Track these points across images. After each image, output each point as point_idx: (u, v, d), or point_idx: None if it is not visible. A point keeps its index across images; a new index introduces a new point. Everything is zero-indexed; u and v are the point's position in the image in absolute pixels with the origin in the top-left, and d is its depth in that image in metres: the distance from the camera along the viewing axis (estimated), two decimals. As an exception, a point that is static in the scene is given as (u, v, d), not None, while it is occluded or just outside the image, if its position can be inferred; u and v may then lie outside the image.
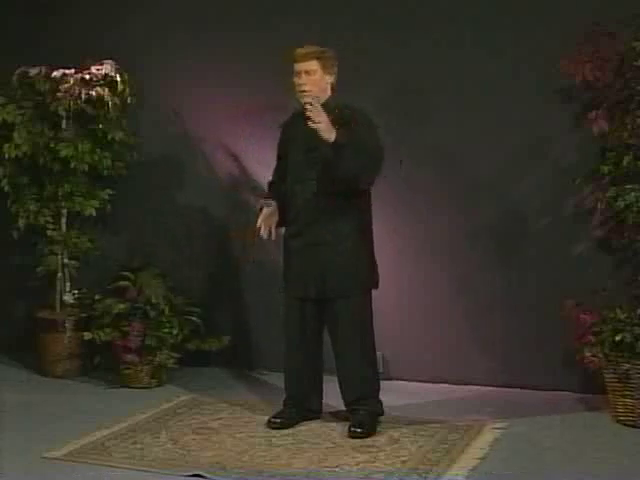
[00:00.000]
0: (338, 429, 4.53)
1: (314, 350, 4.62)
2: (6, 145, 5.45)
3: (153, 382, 5.40)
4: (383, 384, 4.70)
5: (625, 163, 4.66)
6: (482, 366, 5.29)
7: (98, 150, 5.63)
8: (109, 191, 5.76)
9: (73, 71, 5.49)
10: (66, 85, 5.45)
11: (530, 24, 5.05)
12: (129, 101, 5.60)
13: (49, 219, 5.68)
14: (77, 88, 5.44)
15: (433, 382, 5.34)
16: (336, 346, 4.56)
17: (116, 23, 5.88)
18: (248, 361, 5.75)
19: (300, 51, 4.45)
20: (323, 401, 4.71)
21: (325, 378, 4.68)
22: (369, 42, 5.29)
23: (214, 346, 5.52)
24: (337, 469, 4.00)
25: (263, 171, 5.22)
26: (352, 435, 4.41)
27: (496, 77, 5.14)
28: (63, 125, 5.64)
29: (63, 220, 5.76)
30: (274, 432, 4.50)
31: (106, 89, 5.48)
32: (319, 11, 5.45)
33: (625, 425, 4.54)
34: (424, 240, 5.36)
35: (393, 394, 4.95)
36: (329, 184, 4.36)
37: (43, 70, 5.51)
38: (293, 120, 4.63)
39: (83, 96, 5.45)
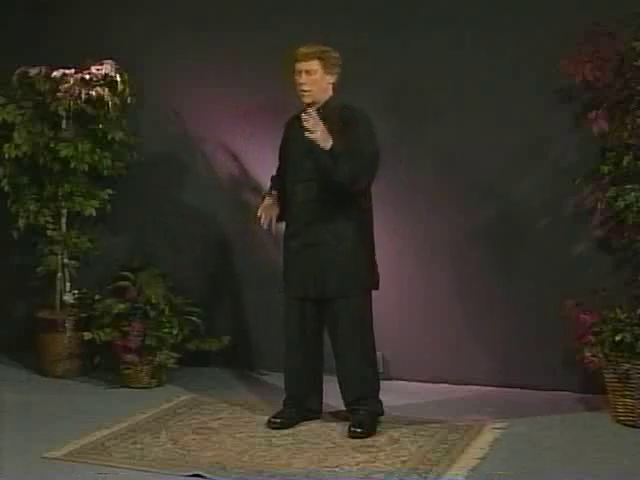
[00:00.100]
0: (338, 429, 4.53)
1: (314, 350, 4.62)
2: (6, 145, 5.45)
3: (153, 382, 5.40)
4: (383, 384, 4.70)
5: (625, 163, 4.66)
6: (482, 366, 5.29)
7: (98, 150, 5.63)
8: (109, 191, 5.76)
9: (73, 71, 5.49)
10: (66, 85, 5.45)
11: (530, 24, 5.05)
12: (129, 101, 5.60)
13: (49, 219, 5.68)
14: (77, 88, 5.44)
15: (433, 382, 5.34)
16: (336, 346, 4.56)
17: (116, 23, 5.88)
18: (248, 361, 5.75)
19: (301, 50, 4.45)
20: (323, 401, 4.71)
21: (325, 378, 4.68)
22: (369, 42, 5.29)
23: (214, 346, 5.52)
24: (337, 469, 4.00)
25: (263, 171, 5.23)
26: (352, 435, 4.41)
27: (496, 77, 5.14)
28: (63, 125, 5.64)
29: (63, 220, 5.76)
30: (274, 432, 4.51)
31: (106, 89, 5.48)
32: (319, 11, 5.45)
33: (625, 425, 4.55)
34: (424, 240, 5.36)
35: (393, 394, 4.95)
36: (329, 185, 4.37)
37: (43, 70, 5.52)
38: (294, 120, 4.63)
39: (83, 96, 5.45)
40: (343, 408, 4.63)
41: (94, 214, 5.71)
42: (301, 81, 4.44)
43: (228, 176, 5.80)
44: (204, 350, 5.51)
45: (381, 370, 5.02)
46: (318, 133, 4.23)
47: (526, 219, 5.20)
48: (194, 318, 5.47)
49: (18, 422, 4.69)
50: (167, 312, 5.37)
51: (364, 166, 4.35)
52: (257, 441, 4.39)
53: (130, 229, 6.03)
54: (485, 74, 5.17)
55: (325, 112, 4.46)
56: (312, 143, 4.27)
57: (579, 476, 3.90)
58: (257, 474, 3.95)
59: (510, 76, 5.11)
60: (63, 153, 5.51)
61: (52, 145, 5.55)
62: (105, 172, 5.71)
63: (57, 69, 5.48)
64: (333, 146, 4.24)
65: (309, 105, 4.49)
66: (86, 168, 5.61)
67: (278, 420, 4.58)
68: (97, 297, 5.58)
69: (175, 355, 5.38)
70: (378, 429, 4.50)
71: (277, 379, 4.99)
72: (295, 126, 4.57)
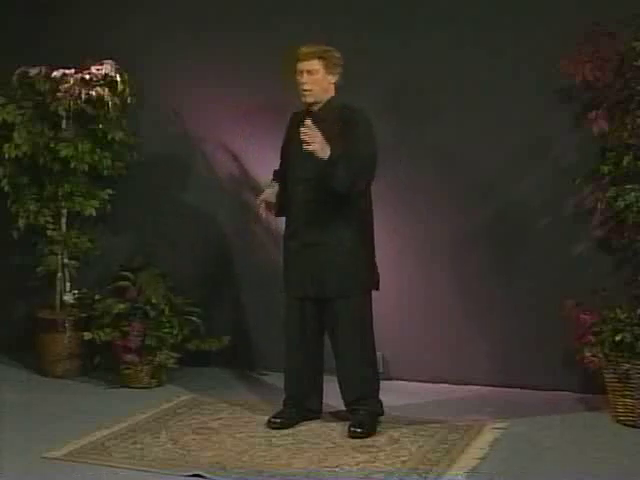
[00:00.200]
0: (338, 429, 4.53)
1: (314, 350, 4.62)
2: (6, 145, 5.45)
3: (153, 382, 5.40)
4: (383, 384, 4.70)
5: (625, 163, 4.66)
6: (482, 366, 5.29)
7: (98, 150, 5.63)
8: (109, 191, 5.76)
9: (73, 71, 5.49)
10: (66, 85, 5.45)
11: (530, 24, 5.05)
12: (129, 101, 5.60)
13: (49, 219, 5.68)
14: (77, 88, 5.44)
15: (433, 382, 5.34)
16: (336, 346, 4.56)
17: (116, 23, 5.88)
18: (248, 361, 5.75)
19: (303, 50, 4.45)
20: (323, 401, 4.71)
21: (325, 378, 4.68)
22: (369, 42, 5.29)
23: (214, 346, 5.52)
24: (337, 469, 4.00)
25: (263, 171, 5.23)
26: (352, 435, 4.41)
27: (496, 77, 5.14)
28: (63, 125, 5.64)
29: (63, 220, 5.76)
30: (274, 432, 4.51)
31: (106, 89, 5.48)
32: (319, 11, 5.45)
33: (625, 425, 4.55)
34: (424, 240, 5.36)
35: (393, 394, 4.95)
36: (328, 188, 4.37)
37: (43, 70, 5.51)
38: (294, 119, 4.63)
39: (83, 96, 5.45)
40: (343, 408, 4.63)
41: (94, 214, 5.71)
42: (302, 81, 4.45)
43: (228, 176, 5.80)
44: (204, 350, 5.51)
45: (381, 370, 5.02)
46: (316, 145, 4.23)
47: (526, 219, 5.20)
48: (194, 318, 5.47)
49: (18, 422, 4.69)
50: (167, 312, 5.37)
51: (362, 169, 4.36)
52: (257, 441, 4.39)
53: (130, 229, 6.03)
54: (485, 74, 5.17)
55: (325, 112, 4.46)
56: (311, 154, 4.27)
57: (579, 476, 3.90)
58: (257, 474, 3.95)
59: (510, 76, 5.11)
60: (63, 153, 5.51)
61: (52, 145, 5.55)
62: (105, 172, 5.71)
63: (57, 69, 5.48)
64: (331, 153, 4.24)
65: (310, 105, 4.49)
66: (86, 168, 5.61)
67: (278, 420, 4.58)
68: (97, 297, 5.58)
69: (175, 355, 5.38)
70: (378, 429, 4.50)
71: (277, 379, 4.99)
72: (295, 126, 4.58)
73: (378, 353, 4.72)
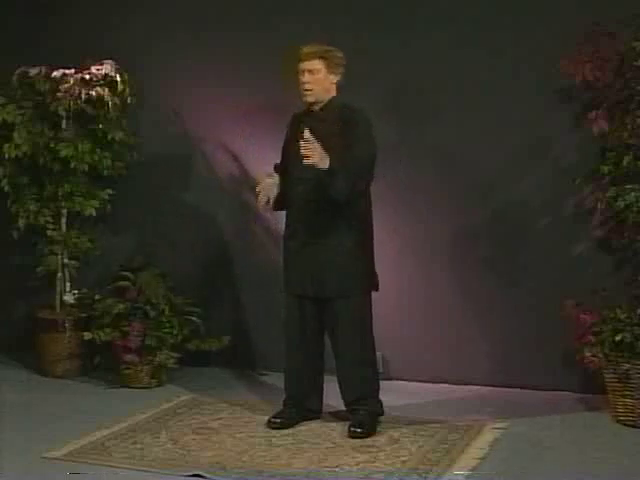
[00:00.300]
0: (338, 429, 4.53)
1: (314, 350, 4.62)
2: (6, 145, 5.45)
3: (153, 382, 5.40)
4: (383, 384, 4.70)
5: (625, 163, 4.66)
6: (482, 366, 5.29)
7: (98, 150, 5.63)
8: (109, 191, 5.76)
9: (73, 71, 5.49)
10: (66, 85, 5.45)
11: (530, 24, 5.05)
12: (129, 101, 5.60)
13: (49, 219, 5.68)
14: (77, 88, 5.44)
15: (433, 382, 5.34)
16: (336, 346, 4.56)
17: (116, 23, 5.88)
18: (248, 361, 5.75)
19: (305, 49, 4.45)
20: (323, 401, 4.71)
21: (325, 378, 4.68)
22: (369, 42, 5.29)
23: (214, 346, 5.52)
24: (337, 469, 4.00)
25: (263, 171, 5.21)
26: (352, 435, 4.41)
27: (496, 77, 5.14)
28: (63, 125, 5.64)
29: (63, 220, 5.76)
30: (274, 432, 4.51)
31: (106, 89, 5.48)
32: (319, 11, 5.45)
33: (625, 425, 4.55)
34: (424, 240, 5.36)
35: (393, 394, 4.95)
36: (327, 196, 4.37)
37: (43, 70, 5.51)
38: (295, 119, 4.63)
39: (83, 96, 5.45)
40: (343, 408, 4.63)
41: (94, 214, 5.71)
42: (304, 80, 4.45)
43: (228, 176, 5.80)
44: (204, 350, 5.51)
45: (381, 370, 5.02)
46: (316, 157, 4.22)
47: (526, 219, 5.20)
48: (194, 318, 5.47)
49: (18, 422, 4.69)
50: (167, 312, 5.37)
51: (361, 170, 4.37)
52: (257, 441, 4.39)
53: (130, 229, 6.03)
54: (485, 74, 5.17)
55: (326, 112, 4.47)
56: (311, 167, 4.27)
57: (579, 476, 3.90)
58: (257, 474, 3.95)
59: (510, 76, 5.11)
60: (63, 153, 5.51)
61: (52, 145, 5.55)
62: (105, 172, 5.71)
63: (57, 69, 5.48)
64: (330, 165, 4.24)
65: (311, 104, 4.50)
66: (86, 168, 5.61)
67: (278, 420, 4.58)
68: (97, 297, 5.58)
69: (175, 355, 5.38)
70: (378, 429, 4.50)
71: (277, 379, 4.99)
72: (296, 126, 4.58)
73: (378, 353, 4.72)
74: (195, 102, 5.78)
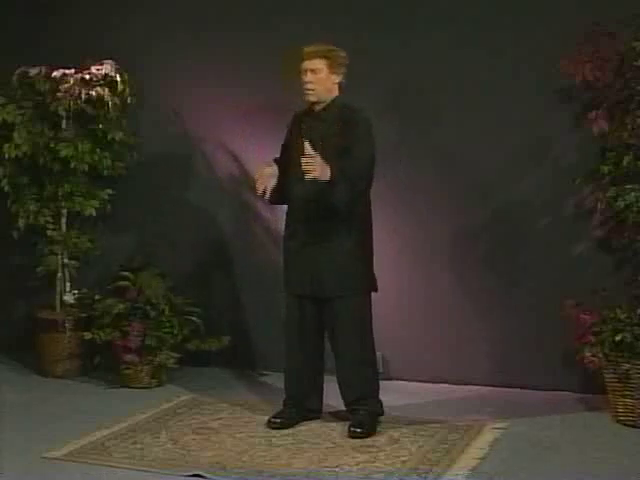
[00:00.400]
0: (338, 429, 4.53)
1: (314, 350, 4.62)
2: (6, 145, 5.45)
3: (153, 382, 5.40)
4: (383, 384, 4.70)
5: (625, 163, 4.66)
6: (482, 366, 5.29)
7: (98, 150, 5.63)
8: (109, 191, 5.76)
9: (73, 71, 5.49)
10: (66, 85, 5.45)
11: (530, 24, 5.05)
12: (129, 101, 5.60)
13: (49, 219, 5.68)
14: (77, 88, 5.44)
15: (433, 382, 5.34)
16: (336, 346, 4.56)
17: (116, 23, 5.88)
18: (248, 361, 5.75)
19: (307, 49, 4.45)
20: (323, 401, 4.71)
21: (325, 378, 4.68)
22: (369, 42, 5.29)
23: (214, 346, 5.52)
24: (337, 469, 4.00)
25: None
26: (352, 435, 4.41)
27: (496, 77, 5.14)
28: (63, 125, 5.64)
29: (63, 220, 5.77)
30: (274, 432, 4.51)
31: (106, 89, 5.48)
32: (319, 11, 5.45)
33: (625, 425, 4.55)
34: (424, 240, 5.36)
35: (393, 394, 4.95)
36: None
37: (43, 70, 5.51)
38: (297, 119, 4.63)
39: (83, 96, 5.45)
40: (343, 408, 4.63)
41: (94, 214, 5.71)
42: (306, 80, 4.45)
43: (228, 176, 5.80)
44: (204, 350, 5.50)
45: (381, 370, 5.03)
46: (317, 172, 4.21)
47: (526, 219, 5.20)
48: (194, 318, 5.47)
49: (18, 422, 4.69)
50: (167, 312, 5.37)
51: (361, 177, 4.37)
52: (257, 441, 4.39)
53: (130, 229, 6.03)
54: (485, 74, 5.17)
55: (327, 112, 4.47)
56: (313, 182, 4.28)
57: (579, 476, 3.90)
58: (257, 474, 3.95)
59: (510, 76, 5.11)
60: (63, 153, 5.51)
61: (52, 145, 5.55)
62: (105, 172, 5.71)
63: (57, 69, 5.48)
64: (332, 175, 4.23)
65: (313, 104, 4.50)
66: (86, 168, 5.61)
67: (278, 420, 4.58)
68: (97, 297, 5.58)
69: (175, 355, 5.38)
70: (378, 429, 4.50)
71: (277, 379, 4.99)
72: (297, 126, 4.58)
73: (378, 353, 4.72)
74: (195, 102, 5.78)
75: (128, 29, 5.86)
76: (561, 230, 5.11)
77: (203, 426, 4.64)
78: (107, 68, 5.51)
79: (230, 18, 5.69)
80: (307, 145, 4.25)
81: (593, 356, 4.55)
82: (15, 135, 5.44)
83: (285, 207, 4.67)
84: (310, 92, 4.46)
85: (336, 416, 4.69)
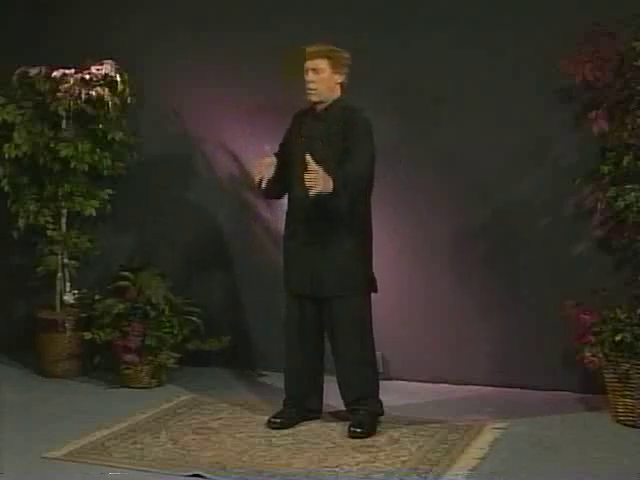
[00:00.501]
0: (338, 429, 4.53)
1: (314, 350, 4.62)
2: (6, 145, 5.45)
3: (153, 382, 5.40)
4: (383, 384, 4.70)
5: (625, 163, 4.66)
6: (482, 366, 5.29)
7: (98, 150, 5.63)
8: (109, 191, 5.76)
9: (73, 71, 5.49)
10: (66, 85, 5.45)
11: (530, 24, 5.05)
12: (129, 101, 5.60)
13: (49, 219, 5.68)
14: (77, 88, 5.44)
15: (433, 382, 5.34)
16: (335, 347, 4.56)
17: (116, 23, 5.88)
18: (248, 361, 5.75)
19: (310, 49, 4.46)
20: (323, 401, 4.71)
21: (325, 378, 4.68)
22: (369, 42, 5.28)
23: (214, 346, 5.52)
24: (337, 469, 4.00)
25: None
26: (352, 435, 4.41)
27: (496, 77, 5.14)
28: (63, 125, 5.64)
29: (63, 220, 5.76)
30: (274, 432, 4.50)
31: (106, 89, 5.48)
32: (319, 11, 5.45)
33: (625, 425, 4.55)
34: (424, 240, 5.36)
35: (393, 394, 4.95)
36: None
37: (43, 70, 5.51)
38: (295, 119, 4.63)
39: (83, 96, 5.45)
40: (343, 408, 4.62)
41: (94, 214, 5.71)
42: (308, 79, 4.45)
43: (228, 176, 5.80)
44: (204, 350, 5.50)
45: (381, 370, 5.03)
46: (320, 185, 4.19)
47: (526, 219, 5.20)
48: (194, 318, 5.47)
49: (18, 422, 4.69)
50: (167, 312, 5.37)
51: (361, 183, 4.38)
52: (257, 441, 4.39)
53: (130, 229, 6.03)
54: (485, 74, 5.17)
55: (328, 113, 4.47)
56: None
57: (579, 476, 3.90)
58: (257, 474, 3.95)
59: (510, 76, 5.11)
60: (63, 153, 5.51)
61: (52, 145, 5.55)
62: (105, 172, 5.71)
63: (57, 69, 5.48)
64: (334, 186, 4.22)
65: (315, 103, 4.50)
66: (86, 168, 5.61)
67: (278, 420, 4.58)
68: (97, 297, 5.58)
69: (175, 355, 5.38)
70: (378, 429, 4.50)
71: (277, 379, 4.99)
72: (297, 125, 4.58)
73: (378, 353, 4.72)
74: (195, 102, 5.78)
75: (128, 29, 5.86)
76: (561, 230, 5.11)
77: (203, 426, 4.64)
78: (107, 68, 5.51)
79: (230, 18, 5.69)
80: (309, 158, 4.23)
81: (593, 356, 4.55)
82: (15, 135, 5.43)
83: (285, 207, 4.67)
84: (312, 92, 4.46)
85: (336, 416, 4.69)
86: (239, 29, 5.65)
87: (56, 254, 5.74)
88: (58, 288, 5.76)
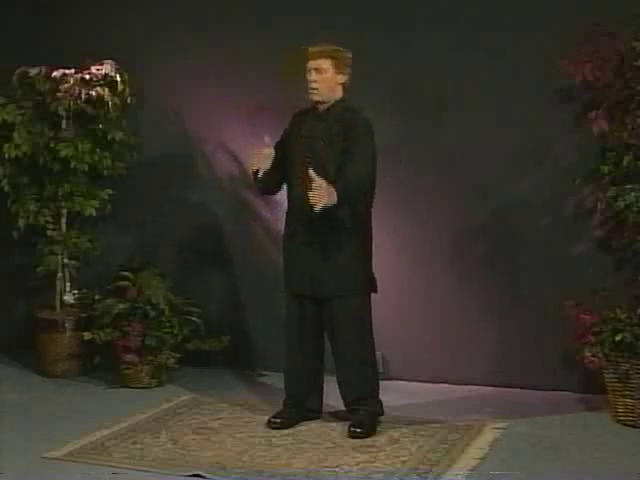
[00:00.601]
0: (338, 429, 4.53)
1: (314, 350, 4.62)
2: (6, 145, 5.45)
3: (153, 382, 5.40)
4: (383, 384, 4.71)
5: (625, 163, 4.66)
6: (482, 366, 5.29)
7: (98, 150, 5.63)
8: (109, 191, 5.76)
9: (73, 71, 5.49)
10: (66, 85, 5.45)
11: (530, 24, 5.05)
12: (129, 101, 5.60)
13: (49, 219, 5.68)
14: (77, 88, 5.44)
15: (433, 382, 5.34)
16: (335, 347, 4.56)
17: (116, 23, 5.88)
18: (248, 361, 5.75)
19: (313, 49, 4.46)
20: (323, 401, 4.71)
21: (325, 378, 4.68)
22: (369, 42, 5.28)
23: (214, 346, 5.52)
24: (337, 469, 4.00)
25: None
26: (352, 435, 4.41)
27: (496, 77, 5.14)
28: (63, 125, 5.64)
29: (63, 220, 5.76)
30: (274, 432, 4.50)
31: (106, 89, 5.48)
32: (319, 11, 5.45)
33: (625, 425, 4.55)
34: (424, 240, 5.36)
35: (393, 394, 4.95)
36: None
37: (43, 70, 5.51)
38: (295, 119, 4.63)
39: (83, 96, 5.45)
40: (343, 408, 4.63)
41: (94, 214, 5.71)
42: (311, 79, 4.45)
43: (228, 176, 5.80)
44: (204, 350, 5.50)
45: (381, 370, 5.02)
46: (324, 199, 4.18)
47: (526, 219, 5.20)
48: (194, 318, 5.47)
49: (18, 422, 4.68)
50: (167, 312, 5.37)
51: (363, 178, 4.37)
52: (257, 441, 4.39)
53: (130, 229, 6.03)
54: (485, 74, 5.17)
55: (329, 113, 4.47)
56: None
57: (579, 476, 3.91)
58: (257, 474, 3.95)
59: (510, 76, 5.11)
60: (63, 153, 5.51)
61: (52, 145, 5.55)
62: (105, 172, 5.71)
63: (57, 69, 5.48)
64: (338, 197, 4.22)
65: (317, 103, 4.50)
66: (86, 168, 5.61)
67: (278, 420, 4.58)
68: (97, 297, 5.57)
69: (175, 355, 5.38)
70: (378, 429, 4.50)
71: (277, 379, 4.99)
72: (296, 125, 4.58)
73: (378, 353, 4.72)
74: (195, 102, 5.78)
75: (128, 29, 5.86)
76: (561, 230, 5.11)
77: (203, 426, 4.64)
78: (107, 68, 5.51)
79: (230, 18, 5.69)
80: (312, 173, 4.22)
81: (593, 356, 4.55)
82: (15, 135, 5.43)
83: (285, 207, 4.67)
84: (314, 91, 4.46)
85: (336, 416, 4.69)
86: (239, 29, 5.65)
87: (56, 254, 5.74)
88: (58, 288, 5.76)
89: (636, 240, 4.80)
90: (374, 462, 4.08)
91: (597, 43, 4.65)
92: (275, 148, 4.61)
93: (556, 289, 4.99)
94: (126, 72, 5.55)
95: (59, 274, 5.76)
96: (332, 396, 4.67)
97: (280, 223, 4.87)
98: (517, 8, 5.09)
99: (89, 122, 5.64)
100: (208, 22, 5.74)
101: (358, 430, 4.42)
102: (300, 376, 4.63)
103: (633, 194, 4.64)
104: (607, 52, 4.65)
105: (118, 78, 5.50)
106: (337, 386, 4.59)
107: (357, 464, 4.05)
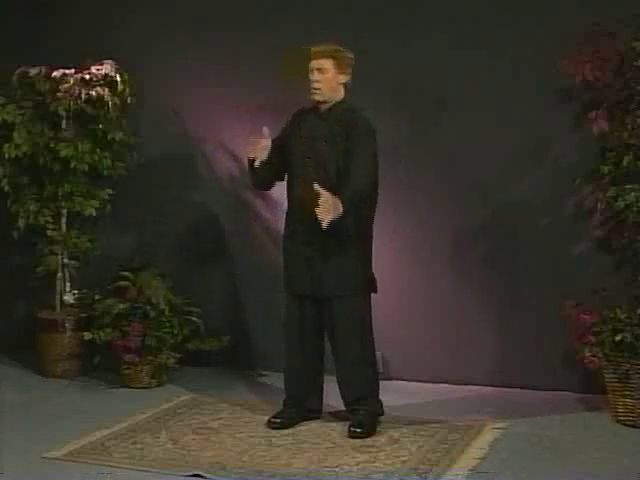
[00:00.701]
0: (338, 429, 4.53)
1: (314, 350, 4.62)
2: (6, 145, 5.45)
3: (153, 382, 5.40)
4: (383, 384, 4.71)
5: (625, 163, 4.66)
6: (482, 366, 5.29)
7: (98, 150, 5.63)
8: (109, 191, 5.76)
9: (73, 71, 5.49)
10: (66, 85, 5.45)
11: (530, 24, 5.05)
12: (129, 101, 5.60)
13: (49, 219, 5.68)
14: (77, 88, 5.44)
15: (433, 382, 5.34)
16: (335, 347, 4.56)
17: (116, 23, 5.88)
18: (248, 361, 5.75)
19: (315, 49, 4.46)
20: (323, 401, 4.71)
21: (325, 378, 4.68)
22: (369, 42, 5.28)
23: (214, 346, 5.52)
24: (337, 469, 4.00)
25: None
26: (352, 435, 4.41)
27: (496, 77, 5.14)
28: (63, 125, 5.64)
29: (63, 220, 5.76)
30: (274, 432, 4.50)
31: (106, 89, 5.48)
32: (319, 11, 5.45)
33: (625, 425, 4.55)
34: (424, 240, 5.36)
35: (393, 394, 4.95)
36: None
37: (43, 70, 5.51)
38: (295, 118, 4.63)
39: (83, 96, 5.45)
40: (343, 408, 4.63)
41: (94, 214, 5.71)
42: (313, 79, 4.45)
43: (228, 176, 5.80)
44: (204, 350, 5.51)
45: (381, 370, 5.03)
46: (331, 212, 4.18)
47: (526, 219, 5.20)
48: (194, 318, 5.47)
49: (18, 422, 4.69)
50: (167, 312, 5.37)
51: (365, 181, 4.37)
52: (257, 441, 4.39)
53: (130, 229, 6.03)
54: (485, 74, 5.17)
55: (330, 114, 4.46)
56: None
57: (579, 476, 3.91)
58: (257, 474, 3.95)
59: (510, 76, 5.11)
60: (63, 153, 5.51)
61: (52, 145, 5.55)
62: (105, 172, 5.71)
63: (57, 69, 5.48)
64: (344, 207, 4.21)
65: (319, 103, 4.50)
66: (86, 168, 5.61)
67: (278, 420, 4.58)
68: (97, 297, 5.57)
69: (175, 355, 5.38)
70: (378, 429, 4.50)
71: (277, 379, 4.99)
72: (296, 124, 4.58)
73: (378, 353, 4.72)
74: (195, 102, 5.78)
75: (128, 29, 5.86)
76: (561, 230, 5.11)
77: (203, 426, 4.64)
78: (107, 68, 5.51)
79: (230, 18, 5.69)
80: (317, 187, 4.21)
81: (593, 356, 4.55)
82: (15, 135, 5.43)
83: (285, 207, 4.67)
84: (317, 91, 4.46)
85: (336, 416, 4.69)
86: (239, 29, 5.65)
87: (56, 254, 5.74)
88: (58, 288, 5.76)
89: (636, 240, 4.80)
90: (374, 462, 4.08)
91: (597, 43, 4.66)
92: (272, 143, 4.60)
93: (556, 289, 4.99)
94: (126, 72, 5.55)
95: (59, 274, 5.76)
96: (332, 396, 4.67)
97: (280, 223, 4.87)
98: (517, 8, 5.09)
99: (89, 122, 5.64)
100: (208, 22, 5.74)
101: (358, 430, 4.42)
102: (300, 376, 4.63)
103: (633, 194, 4.64)
104: (607, 52, 4.65)
105: (118, 78, 5.51)
106: (337, 386, 4.59)
107: (357, 464, 4.06)
